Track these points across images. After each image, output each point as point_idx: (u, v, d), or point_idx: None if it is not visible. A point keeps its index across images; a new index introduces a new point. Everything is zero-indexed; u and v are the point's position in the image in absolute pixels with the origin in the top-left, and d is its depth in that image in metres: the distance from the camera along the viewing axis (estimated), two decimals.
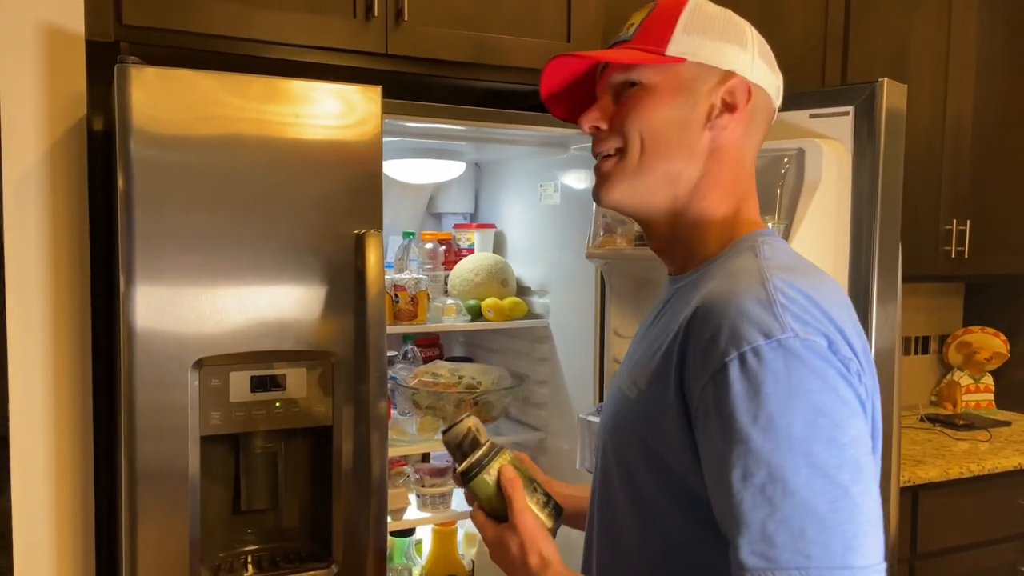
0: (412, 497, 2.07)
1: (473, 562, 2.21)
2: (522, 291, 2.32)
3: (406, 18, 1.76)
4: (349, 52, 1.74)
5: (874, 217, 1.51)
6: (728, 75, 0.88)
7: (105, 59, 1.43)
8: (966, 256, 2.65)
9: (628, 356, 0.97)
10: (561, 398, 2.19)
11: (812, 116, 1.58)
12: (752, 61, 0.90)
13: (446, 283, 2.26)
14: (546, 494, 0.97)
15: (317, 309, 1.46)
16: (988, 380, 3.08)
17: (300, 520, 1.56)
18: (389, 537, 1.95)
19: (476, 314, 2.16)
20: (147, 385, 1.35)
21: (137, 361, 1.34)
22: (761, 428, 0.71)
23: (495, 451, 0.96)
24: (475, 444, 0.98)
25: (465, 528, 2.26)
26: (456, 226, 2.47)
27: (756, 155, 0.94)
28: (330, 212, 1.46)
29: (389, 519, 1.90)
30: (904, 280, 1.66)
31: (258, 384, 1.44)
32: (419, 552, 2.16)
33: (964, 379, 3.07)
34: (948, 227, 2.62)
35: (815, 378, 0.72)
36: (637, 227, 1.75)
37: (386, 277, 1.56)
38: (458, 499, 2.06)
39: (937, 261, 2.63)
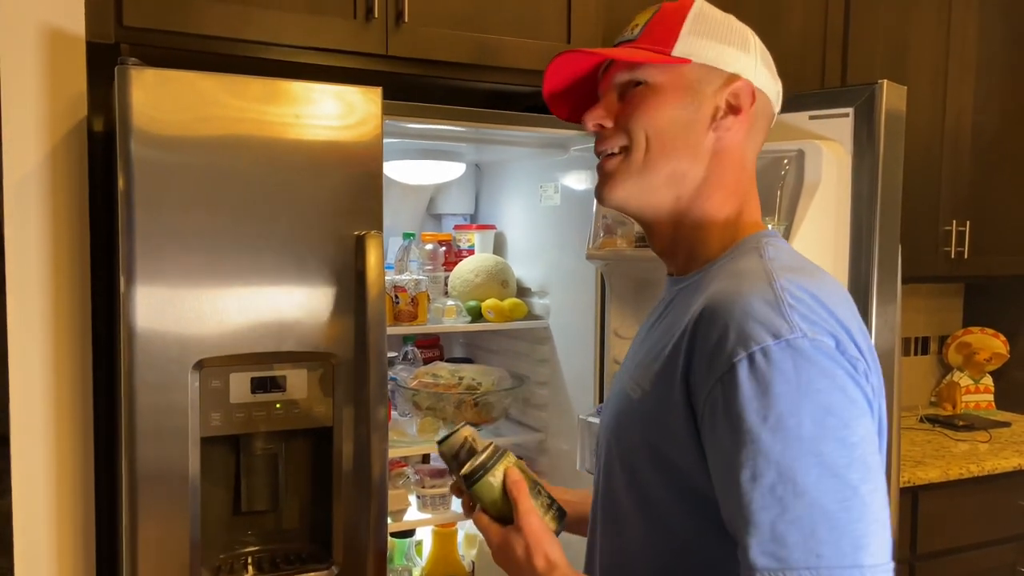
0: (412, 498, 2.07)
1: (473, 563, 2.21)
2: (522, 292, 2.32)
3: (406, 19, 1.76)
4: (349, 53, 1.74)
5: (874, 218, 1.52)
6: (732, 78, 0.89)
7: (105, 60, 1.44)
8: (966, 257, 2.65)
9: (629, 357, 0.98)
10: (561, 399, 2.19)
11: (812, 117, 1.58)
12: (755, 65, 0.91)
13: (446, 284, 2.26)
14: (549, 497, 0.97)
15: (317, 310, 1.46)
16: (988, 381, 3.08)
17: (300, 521, 1.56)
18: (389, 538, 1.95)
19: (476, 315, 2.17)
20: (147, 386, 1.35)
21: (137, 362, 1.34)
22: (771, 428, 0.71)
23: (499, 454, 0.95)
24: (472, 453, 0.98)
25: (465, 529, 2.26)
26: (456, 227, 2.47)
27: (756, 157, 0.94)
28: (330, 213, 1.46)
29: (389, 520, 1.90)
30: (904, 281, 1.66)
31: (258, 385, 1.44)
32: (419, 553, 2.16)
33: (964, 380, 3.07)
34: (948, 228, 2.62)
35: (824, 378, 0.72)
36: (637, 228, 1.76)
37: (386, 278, 1.56)
38: (458, 500, 2.06)
39: (937, 262, 2.63)
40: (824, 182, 1.51)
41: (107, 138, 1.56)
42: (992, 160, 2.69)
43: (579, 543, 1.02)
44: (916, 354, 3.17)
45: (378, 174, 1.50)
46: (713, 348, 0.75)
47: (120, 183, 1.33)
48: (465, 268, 2.25)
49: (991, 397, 3.07)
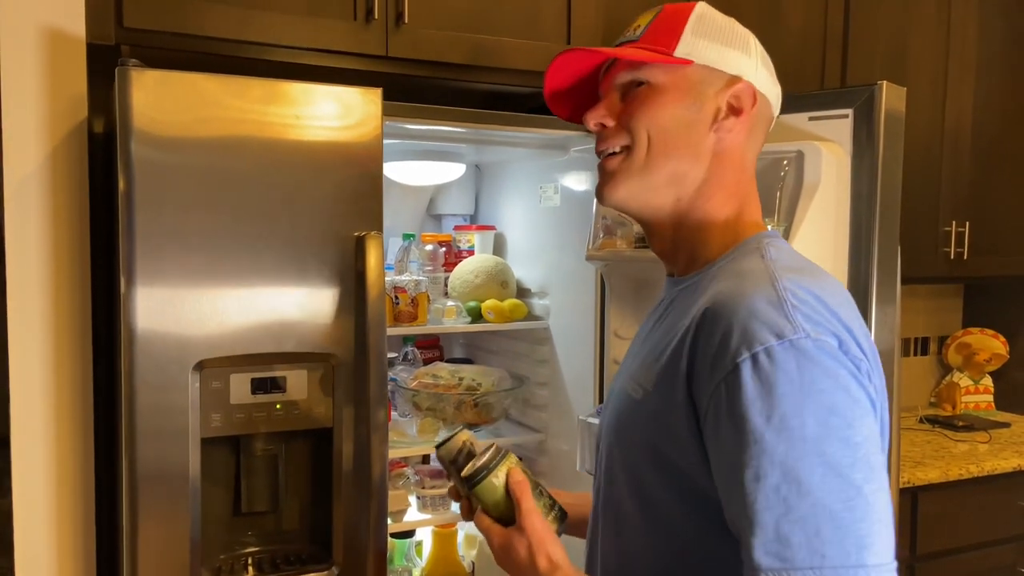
0: (412, 499, 2.07)
1: (473, 563, 2.21)
2: (522, 293, 2.33)
3: (406, 20, 1.76)
4: (349, 55, 1.74)
5: (873, 219, 1.52)
6: (734, 79, 0.90)
7: (106, 62, 1.44)
8: (965, 257, 2.65)
9: (629, 357, 0.98)
10: (561, 400, 2.20)
11: (811, 119, 1.58)
12: (756, 68, 0.91)
13: (446, 285, 2.26)
14: (551, 498, 0.96)
15: (317, 311, 1.46)
16: (987, 381, 3.08)
17: (300, 522, 1.56)
18: (389, 539, 1.95)
19: (476, 316, 2.17)
20: (148, 387, 1.35)
21: (138, 362, 1.34)
22: (775, 428, 0.71)
23: (501, 454, 0.95)
24: (470, 457, 0.97)
25: (465, 530, 2.26)
26: (456, 228, 2.47)
27: (756, 159, 0.95)
28: (330, 214, 1.46)
29: (389, 521, 1.91)
30: (903, 281, 1.66)
31: (259, 386, 1.44)
32: (419, 553, 2.16)
33: (963, 380, 3.07)
34: (947, 228, 2.62)
35: (827, 378, 0.72)
36: (637, 229, 1.76)
37: (386, 279, 1.56)
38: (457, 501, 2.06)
39: (936, 262, 2.63)
40: (823, 183, 1.51)
41: (107, 139, 1.56)
42: (992, 160, 2.69)
43: (579, 545, 1.02)
44: (916, 355, 3.17)
45: (378, 175, 1.50)
46: (716, 348, 0.75)
47: (120, 184, 1.33)
48: (465, 269, 2.25)
49: (991, 398, 3.07)
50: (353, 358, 1.48)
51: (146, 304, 1.34)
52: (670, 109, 0.89)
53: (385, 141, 1.51)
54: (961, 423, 2.80)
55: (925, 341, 3.19)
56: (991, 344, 3.05)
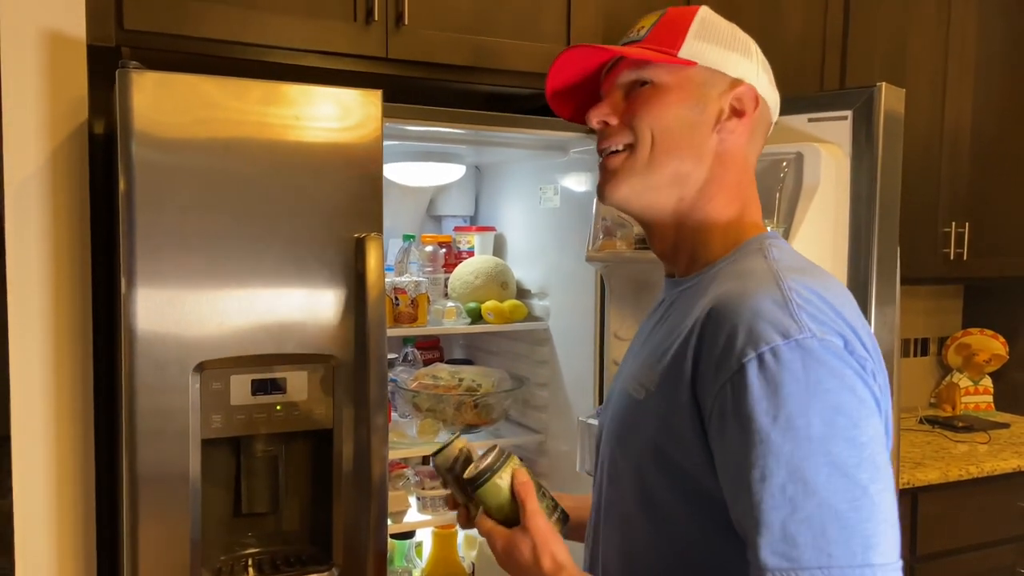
0: (412, 499, 2.07)
1: (473, 564, 2.21)
2: (522, 294, 2.33)
3: (406, 22, 1.77)
4: (349, 56, 1.75)
5: (872, 220, 1.52)
6: (736, 82, 0.90)
7: (106, 64, 1.44)
8: (965, 258, 2.65)
9: (630, 358, 0.98)
10: (561, 401, 2.20)
11: (810, 120, 1.58)
12: (757, 73, 0.92)
13: (446, 286, 2.26)
14: (553, 500, 0.96)
15: (318, 312, 1.47)
16: (987, 382, 3.08)
17: (301, 523, 1.56)
18: (389, 539, 1.95)
19: (476, 317, 2.17)
20: (148, 388, 1.35)
21: (138, 364, 1.35)
22: (781, 428, 0.71)
23: (504, 456, 0.94)
24: (468, 463, 0.97)
25: (465, 530, 2.26)
26: (456, 229, 2.47)
27: (756, 162, 0.95)
28: (331, 215, 1.46)
29: (389, 521, 1.90)
30: (903, 282, 1.66)
31: (259, 387, 1.45)
32: (419, 554, 2.16)
33: (963, 381, 3.07)
34: (947, 229, 2.63)
35: (833, 378, 0.72)
36: (637, 230, 1.76)
37: (386, 280, 1.56)
38: None
39: (936, 263, 2.63)
40: (823, 184, 1.51)
41: (108, 140, 1.57)
42: (991, 161, 2.69)
43: (577, 548, 1.02)
44: (915, 355, 3.17)
45: (378, 176, 1.50)
46: (721, 348, 0.75)
47: (121, 185, 1.33)
48: (465, 270, 2.25)
49: (990, 398, 3.07)
50: (353, 359, 1.49)
51: (146, 305, 1.35)
52: (674, 109, 0.89)
53: (385, 142, 1.51)
54: (961, 424, 2.80)
55: (925, 342, 3.19)
56: (991, 345, 3.05)
